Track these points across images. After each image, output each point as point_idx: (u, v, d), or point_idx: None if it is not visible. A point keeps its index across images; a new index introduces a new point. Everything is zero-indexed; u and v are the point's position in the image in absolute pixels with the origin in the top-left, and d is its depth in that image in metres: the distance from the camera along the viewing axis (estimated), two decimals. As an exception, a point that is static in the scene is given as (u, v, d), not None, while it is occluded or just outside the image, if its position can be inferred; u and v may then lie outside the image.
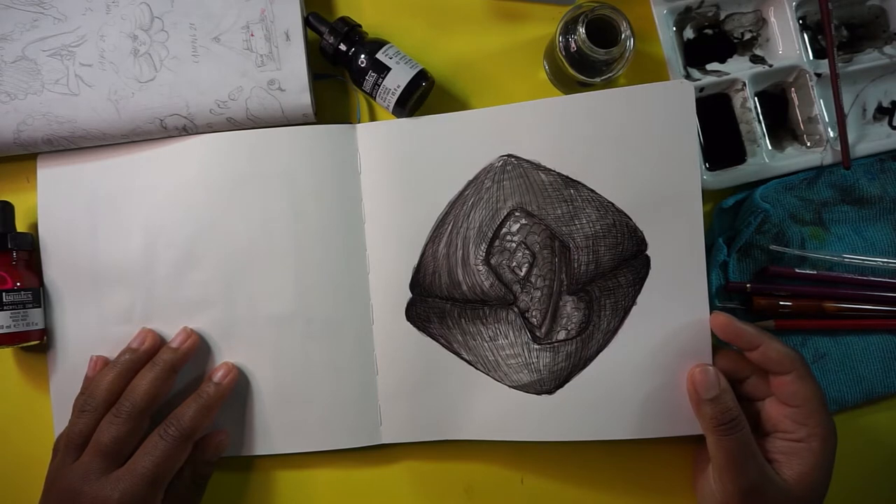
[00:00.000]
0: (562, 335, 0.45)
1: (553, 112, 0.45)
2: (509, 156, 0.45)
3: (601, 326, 0.45)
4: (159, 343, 0.46)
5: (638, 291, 0.44)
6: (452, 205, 0.46)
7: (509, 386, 0.45)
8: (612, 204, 0.44)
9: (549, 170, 0.45)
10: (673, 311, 0.44)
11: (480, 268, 0.45)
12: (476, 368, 0.46)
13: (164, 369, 0.43)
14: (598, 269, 0.45)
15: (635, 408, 0.44)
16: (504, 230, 0.45)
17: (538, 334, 0.45)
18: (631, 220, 0.44)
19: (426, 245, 0.46)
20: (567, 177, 0.45)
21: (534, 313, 0.45)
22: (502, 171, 0.45)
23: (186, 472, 0.43)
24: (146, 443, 0.41)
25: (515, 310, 0.45)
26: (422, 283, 0.46)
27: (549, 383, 0.45)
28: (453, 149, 0.46)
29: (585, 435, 0.44)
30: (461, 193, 0.46)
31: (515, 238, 0.45)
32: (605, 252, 0.45)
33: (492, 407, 0.45)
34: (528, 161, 0.45)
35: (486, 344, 0.45)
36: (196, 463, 0.44)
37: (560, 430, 0.45)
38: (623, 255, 0.44)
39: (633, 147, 0.44)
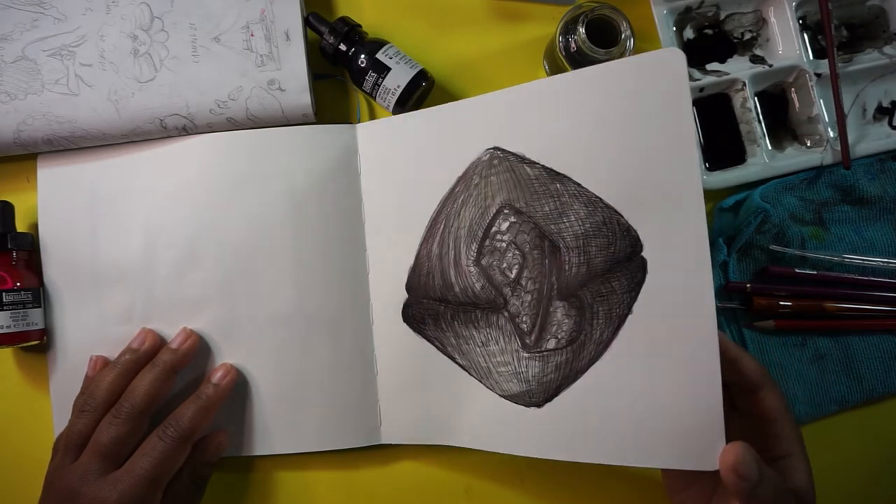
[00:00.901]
0: (552, 344, 0.41)
1: (535, 97, 0.41)
2: (495, 148, 0.42)
3: (593, 336, 0.40)
4: (159, 343, 0.46)
5: (634, 298, 0.39)
6: (444, 202, 0.44)
7: (500, 395, 0.43)
8: (601, 199, 0.39)
9: (534, 163, 0.41)
10: (673, 320, 0.38)
11: (472, 269, 0.44)
12: (469, 374, 0.44)
13: (164, 370, 0.43)
14: (589, 271, 0.40)
15: (628, 430, 0.39)
16: (494, 229, 0.43)
17: (528, 341, 0.42)
18: (622, 216, 0.39)
19: (421, 245, 0.45)
20: (552, 170, 0.41)
21: (524, 319, 0.42)
22: (489, 166, 0.42)
23: (186, 473, 0.43)
24: (145, 444, 0.41)
25: (506, 314, 0.43)
26: (416, 284, 0.45)
27: (538, 395, 0.41)
28: (449, 143, 0.44)
29: (574, 456, 0.40)
30: (452, 190, 0.44)
31: (505, 238, 0.42)
32: (597, 253, 0.40)
33: (483, 416, 0.43)
34: (513, 154, 0.42)
35: (478, 349, 0.44)
36: (195, 464, 0.44)
37: (547, 448, 0.41)
38: (616, 257, 0.39)
39: (619, 132, 0.39)
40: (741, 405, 0.40)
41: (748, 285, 0.47)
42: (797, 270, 0.47)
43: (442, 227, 0.44)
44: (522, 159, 0.42)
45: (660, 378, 0.38)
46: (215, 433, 0.45)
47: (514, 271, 0.42)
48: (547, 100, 0.41)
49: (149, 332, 0.45)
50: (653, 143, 0.38)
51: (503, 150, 0.42)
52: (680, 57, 0.37)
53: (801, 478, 0.37)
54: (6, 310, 0.44)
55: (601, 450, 0.39)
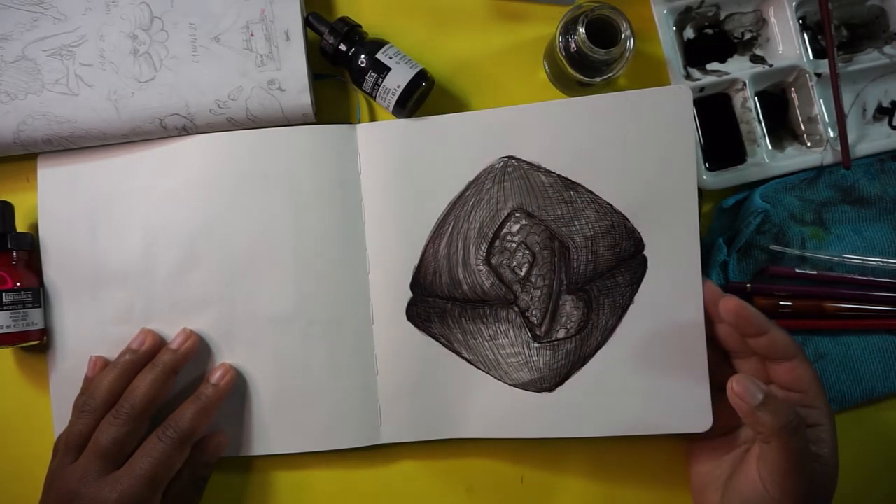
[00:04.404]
0: (561, 333, 0.45)
1: (553, 115, 0.45)
2: (510, 157, 0.45)
3: (600, 325, 0.45)
4: (159, 344, 0.46)
5: (635, 291, 0.45)
6: (453, 205, 0.46)
7: (509, 384, 0.45)
8: (611, 205, 0.45)
9: (550, 171, 0.45)
10: (669, 309, 0.44)
11: (481, 268, 0.45)
12: (476, 367, 0.46)
13: (164, 370, 0.43)
14: (596, 268, 0.45)
15: (634, 405, 0.44)
16: (504, 230, 0.45)
17: (538, 333, 0.45)
18: (629, 221, 0.45)
19: (427, 245, 0.46)
20: (567, 178, 0.45)
21: (534, 312, 0.45)
22: (503, 173, 0.45)
23: (185, 473, 0.43)
24: (145, 444, 0.41)
25: (516, 309, 0.45)
26: (422, 283, 0.46)
27: (549, 381, 0.45)
28: (454, 150, 0.46)
29: (585, 431, 0.45)
30: (462, 194, 0.46)
31: (516, 238, 0.45)
32: (604, 252, 0.45)
33: (492, 405, 0.45)
34: (528, 163, 0.45)
35: (486, 343, 0.46)
36: (195, 464, 0.44)
37: (560, 428, 0.45)
38: (621, 256, 0.45)
39: (631, 150, 0.44)
40: (775, 377, 0.42)
41: (748, 285, 0.47)
42: (797, 270, 0.47)
43: (450, 228, 0.46)
44: (538, 168, 0.45)
45: (658, 357, 0.44)
46: (215, 433, 0.45)
47: (524, 269, 0.45)
48: (564, 118, 0.45)
49: (148, 332, 0.45)
50: (660, 161, 0.44)
51: (518, 159, 0.45)
52: (687, 94, 0.44)
53: (826, 450, 0.40)
54: (6, 310, 0.44)
55: (609, 424, 0.45)
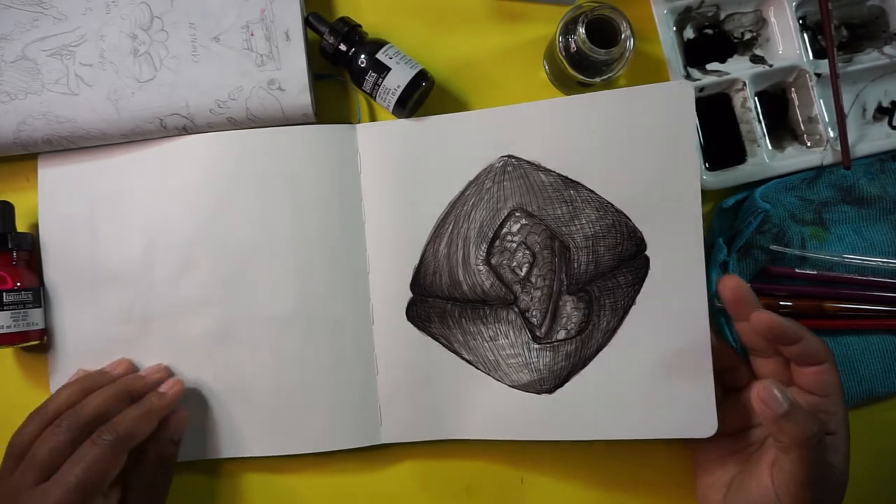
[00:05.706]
0: (562, 335, 0.45)
1: (552, 113, 0.45)
2: (510, 156, 0.45)
3: (600, 326, 0.45)
4: (131, 371, 0.46)
5: (637, 291, 0.44)
6: (453, 205, 0.46)
7: (509, 385, 0.45)
8: (612, 204, 0.44)
9: (550, 170, 0.45)
10: (672, 311, 0.43)
11: (481, 268, 0.45)
12: (476, 368, 0.46)
13: (117, 391, 0.42)
14: (597, 269, 0.45)
15: (635, 408, 0.44)
16: (504, 230, 0.45)
17: (538, 334, 0.45)
18: (630, 220, 0.44)
19: (427, 245, 0.46)
20: (567, 177, 0.45)
21: (534, 313, 0.45)
22: (503, 172, 0.45)
23: (151, 454, 0.42)
24: (78, 450, 0.39)
25: (516, 309, 0.45)
26: (422, 283, 0.46)
27: (549, 382, 0.45)
28: (454, 149, 0.46)
29: (585, 434, 0.44)
30: (462, 194, 0.46)
31: (516, 238, 0.45)
32: (605, 252, 0.45)
33: (492, 406, 0.45)
34: (528, 162, 0.45)
35: (486, 344, 0.45)
36: (160, 442, 0.43)
37: (560, 430, 0.45)
38: (622, 256, 0.45)
39: (632, 147, 0.44)
40: (798, 378, 0.41)
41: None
42: (797, 270, 0.47)
43: (451, 227, 0.46)
44: (538, 167, 0.45)
45: (660, 360, 0.44)
46: (174, 412, 0.44)
47: (524, 269, 0.45)
48: (564, 116, 0.45)
49: (124, 360, 0.46)
50: (661, 158, 0.44)
51: (517, 158, 0.45)
52: (689, 89, 0.43)
53: (840, 458, 0.39)
54: (6, 310, 0.44)
55: (610, 427, 0.44)
